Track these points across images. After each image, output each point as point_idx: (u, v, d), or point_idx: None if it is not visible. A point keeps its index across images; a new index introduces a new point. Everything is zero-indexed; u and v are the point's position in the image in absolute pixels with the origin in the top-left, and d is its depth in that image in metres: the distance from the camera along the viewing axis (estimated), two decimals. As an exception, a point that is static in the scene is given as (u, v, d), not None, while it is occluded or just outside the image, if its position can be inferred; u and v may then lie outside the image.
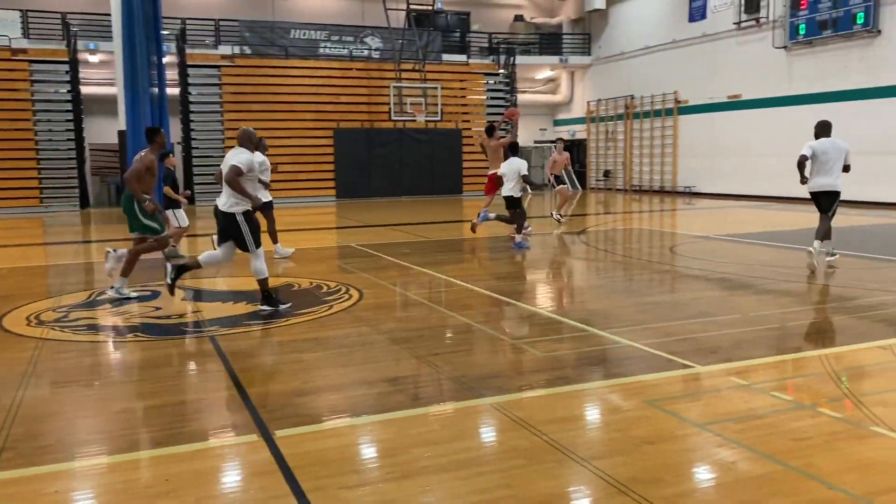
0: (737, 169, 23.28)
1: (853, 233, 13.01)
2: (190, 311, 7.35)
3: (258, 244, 7.06)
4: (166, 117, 20.61)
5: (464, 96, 27.89)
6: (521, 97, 29.81)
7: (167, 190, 11.12)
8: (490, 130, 13.23)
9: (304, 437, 3.89)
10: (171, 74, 23.90)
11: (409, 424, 4.06)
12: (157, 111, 18.96)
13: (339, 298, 7.70)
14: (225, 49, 24.84)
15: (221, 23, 25.18)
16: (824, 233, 9.19)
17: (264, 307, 7.11)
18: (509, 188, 11.55)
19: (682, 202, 22.18)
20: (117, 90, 18.29)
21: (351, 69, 26.16)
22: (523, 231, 11.64)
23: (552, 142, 31.07)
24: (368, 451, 3.81)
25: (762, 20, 22.03)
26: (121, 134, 18.31)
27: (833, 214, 9.31)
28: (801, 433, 3.82)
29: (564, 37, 31.28)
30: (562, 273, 10.12)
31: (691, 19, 25.00)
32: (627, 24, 28.31)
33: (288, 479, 3.36)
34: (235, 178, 6.79)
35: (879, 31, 18.82)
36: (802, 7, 20.55)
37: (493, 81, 28.44)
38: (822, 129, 9.30)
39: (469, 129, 27.64)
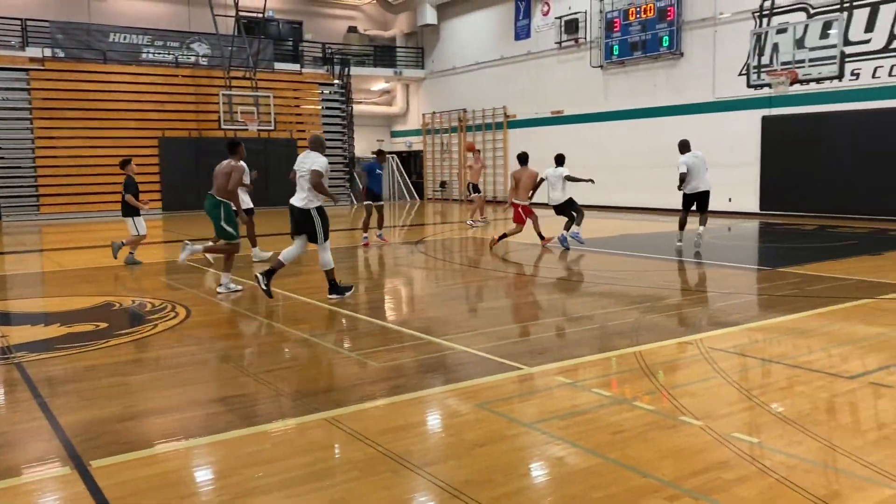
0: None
1: (662, 238, 14.14)
2: (-8, 337, 6.68)
3: (326, 238, 7.89)
4: (-37, 123, 18.73)
5: (298, 105, 27.50)
6: (357, 108, 29.87)
7: (129, 198, 11.33)
8: (524, 159, 12.93)
9: (123, 465, 3.64)
10: (-31, 77, 21.74)
11: (240, 445, 3.92)
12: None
13: (165, 317, 7.30)
14: (34, 51, 22.94)
15: (29, 23, 23.21)
16: (705, 221, 12.07)
17: (331, 296, 8.06)
18: (558, 195, 12.63)
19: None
20: None
21: (177, 76, 25.04)
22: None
23: (389, 153, 31.40)
24: (196, 476, 3.63)
25: (580, 41, 23.50)
26: None
27: (707, 208, 11.98)
28: (618, 426, 4.08)
29: (398, 50, 31.72)
30: (399, 283, 10.20)
31: (517, 38, 26.20)
32: (458, 40, 29.18)
33: (105, 513, 3.13)
34: (320, 181, 7.70)
35: (682, 54, 20.67)
36: (615, 30, 22.15)
37: (327, 91, 28.28)
38: (684, 146, 11.93)
39: (304, 138, 27.27)
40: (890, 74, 16.43)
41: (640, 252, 12.20)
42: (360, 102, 31.62)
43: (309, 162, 7.80)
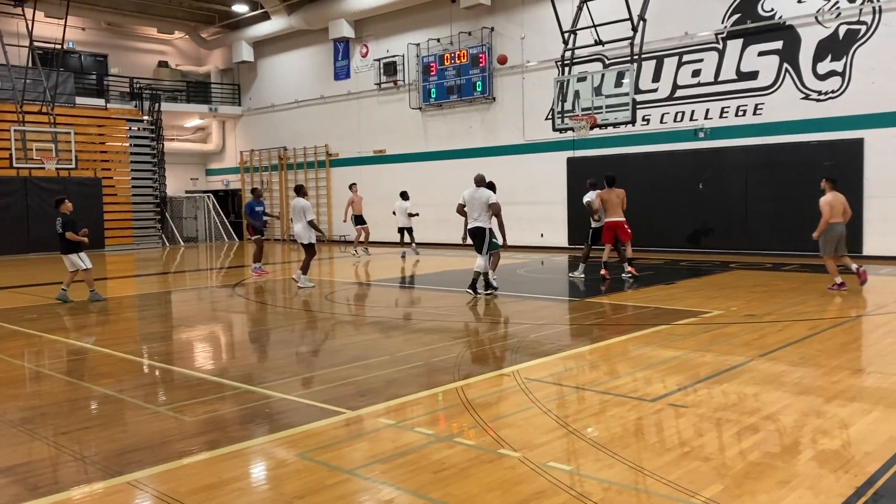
0: (384, 218, 24.77)
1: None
2: None
3: (489, 251, 10.74)
4: None
5: (103, 143, 25.78)
6: (168, 145, 28.51)
7: (70, 235, 11.80)
8: (613, 180, 13.11)
9: None
10: None
11: (27, 520, 3.49)
12: None
13: (-61, 379, 6.43)
14: None
15: None
16: (585, 258, 13.22)
17: (486, 291, 10.92)
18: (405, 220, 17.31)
19: (338, 250, 22.94)
20: None
21: (-41, 109, 22.62)
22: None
23: (205, 192, 30.23)
24: (-30, 563, 3.18)
25: (399, 83, 24.03)
26: None
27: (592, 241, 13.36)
28: (441, 464, 4.08)
29: (213, 86, 30.76)
30: (216, 329, 9.72)
31: (337, 77, 26.32)
32: (277, 78, 28.80)
33: None
34: (499, 210, 10.68)
35: (494, 98, 21.73)
36: (432, 73, 22.89)
37: (136, 128, 26.77)
38: (594, 185, 13.28)
39: (111, 177, 25.56)
40: (675, 120, 18.24)
41: (461, 287, 12.49)
42: (173, 139, 30.22)
43: (481, 196, 10.59)
